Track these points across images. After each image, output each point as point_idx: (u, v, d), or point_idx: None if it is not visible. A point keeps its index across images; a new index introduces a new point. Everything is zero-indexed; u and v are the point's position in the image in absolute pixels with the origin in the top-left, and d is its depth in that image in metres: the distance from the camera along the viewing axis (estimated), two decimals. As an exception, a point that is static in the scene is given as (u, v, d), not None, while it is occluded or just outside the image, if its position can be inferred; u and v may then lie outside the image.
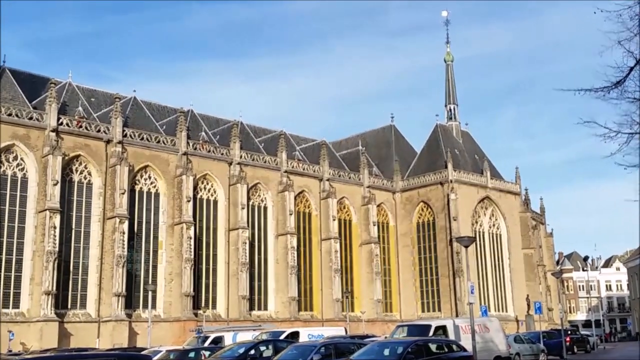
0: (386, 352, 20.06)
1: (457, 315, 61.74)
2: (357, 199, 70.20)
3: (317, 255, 65.37)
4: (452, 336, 25.44)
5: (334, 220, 65.87)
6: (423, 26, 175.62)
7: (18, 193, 47.32)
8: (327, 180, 67.28)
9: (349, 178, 70.37)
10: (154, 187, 54.97)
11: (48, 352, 34.01)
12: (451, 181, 70.05)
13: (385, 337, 30.49)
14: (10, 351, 40.08)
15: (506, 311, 72.48)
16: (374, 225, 69.59)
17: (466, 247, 24.38)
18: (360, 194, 70.60)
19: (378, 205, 71.20)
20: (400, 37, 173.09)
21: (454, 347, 22.09)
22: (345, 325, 50.97)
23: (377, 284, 67.98)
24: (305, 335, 33.65)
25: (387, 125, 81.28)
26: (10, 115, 47.26)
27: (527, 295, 70.84)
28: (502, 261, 74.53)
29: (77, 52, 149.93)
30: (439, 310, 68.73)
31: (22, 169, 47.79)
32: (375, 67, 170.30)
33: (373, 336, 35.94)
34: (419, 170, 74.19)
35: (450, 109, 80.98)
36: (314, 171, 67.06)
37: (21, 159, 47.79)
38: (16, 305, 45.76)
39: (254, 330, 39.91)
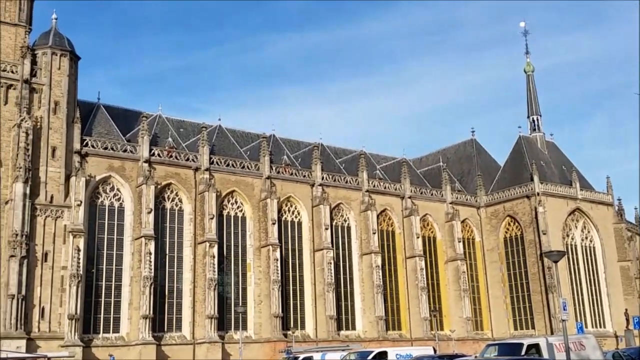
0: (476, 372, 19.82)
1: (552, 333, 59.52)
2: (440, 216, 69.41)
3: (402, 273, 65.00)
4: (545, 355, 24.73)
5: (417, 237, 65.38)
6: (500, 39, 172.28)
7: (115, 222, 50.13)
8: (409, 197, 66.99)
9: (431, 195, 69.75)
10: (241, 211, 56.68)
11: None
12: (538, 194, 68.02)
13: (476, 357, 29.97)
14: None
15: (604, 327, 69.14)
16: (459, 241, 68.47)
17: (555, 262, 23.78)
18: (443, 210, 69.77)
19: (462, 221, 70.08)
20: (476, 51, 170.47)
21: (548, 366, 21.49)
22: (434, 344, 50.37)
23: (465, 301, 66.67)
24: (393, 355, 33.65)
25: (468, 139, 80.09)
26: (106, 148, 50.32)
27: (626, 310, 67.15)
28: (597, 275, 71.31)
29: (165, 86, 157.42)
30: (532, 327, 66.43)
31: (119, 199, 50.62)
32: (453, 82, 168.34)
33: (463, 355, 35.37)
34: (504, 184, 72.49)
35: (534, 120, 78.86)
36: (396, 189, 66.97)
37: (117, 189, 50.66)
38: (116, 329, 48.23)
39: (342, 350, 40.19)
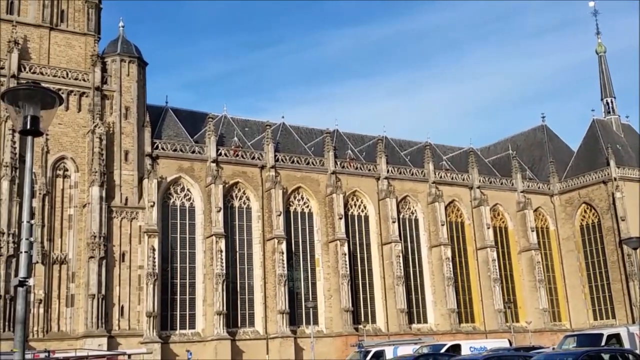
0: (553, 363, 19.18)
1: (633, 322, 56.90)
2: (511, 205, 67.58)
3: (473, 265, 63.76)
4: (627, 345, 23.66)
5: (488, 228, 63.92)
6: (567, 22, 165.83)
7: (187, 221, 51.52)
8: (478, 187, 65.57)
9: (501, 184, 68.00)
10: (307, 207, 57.06)
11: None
12: (615, 179, 65.12)
13: (553, 349, 29.01)
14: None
15: (693, 317, 65.44)
16: (533, 231, 66.46)
17: (635, 249, 22.69)
18: (514, 199, 67.89)
19: (535, 210, 67.97)
20: (542, 35, 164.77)
21: (630, 357, 20.56)
22: (509, 336, 49.13)
23: (541, 292, 64.70)
24: (467, 348, 33.00)
25: (538, 125, 77.52)
26: (175, 150, 51.76)
27: None
28: (683, 262, 67.56)
29: (229, 87, 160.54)
30: (613, 317, 63.73)
31: (189, 199, 51.97)
32: (519, 68, 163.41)
33: (540, 347, 34.31)
34: (578, 170, 69.80)
35: (608, 103, 75.54)
36: (463, 179, 65.70)
37: (187, 189, 52.03)
38: (192, 325, 49.60)
39: (415, 343, 39.78)
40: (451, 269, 60.22)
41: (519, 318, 63.67)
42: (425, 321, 59.89)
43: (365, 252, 58.79)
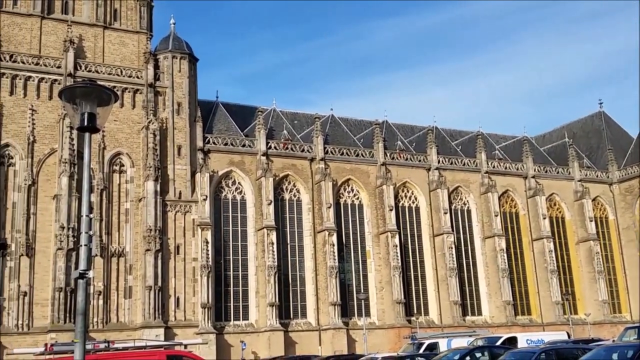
0: (614, 356, 18.54)
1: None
2: (568, 194, 65.72)
3: (529, 256, 62.39)
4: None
5: (544, 218, 62.37)
6: (622, 4, 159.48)
7: (239, 214, 52.18)
8: (533, 177, 64.03)
9: (557, 173, 66.19)
10: (357, 198, 56.93)
11: None
12: (679, 165, 62.43)
13: (614, 341, 28.11)
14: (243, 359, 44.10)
15: None
16: (591, 220, 64.48)
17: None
18: (571, 188, 65.99)
19: (593, 199, 65.92)
20: (595, 19, 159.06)
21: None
22: (568, 329, 47.94)
23: (600, 283, 62.78)
24: (524, 340, 32.33)
25: (596, 112, 75.00)
26: (226, 144, 52.43)
27: None
28: None
29: (278, 80, 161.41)
30: (678, 310, 61.30)
31: (240, 192, 52.61)
32: (573, 54, 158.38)
33: (599, 340, 33.31)
34: (637, 158, 67.21)
35: (670, 85, 72.40)
36: (517, 169, 64.27)
37: (239, 183, 52.67)
38: (245, 317, 50.30)
39: (469, 336, 39.24)
40: (506, 261, 59.10)
41: (577, 310, 62.01)
42: (480, 313, 59.03)
43: (416, 244, 58.30)
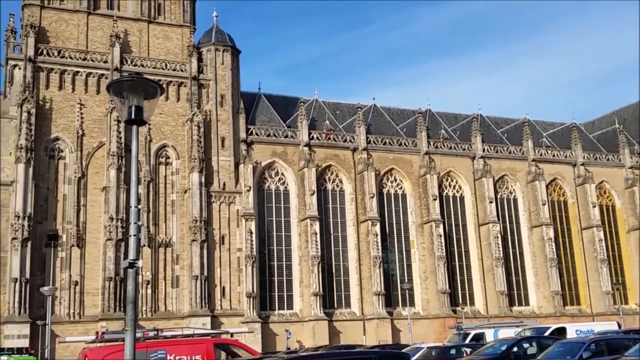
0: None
1: None
2: (619, 182, 63.86)
3: (578, 245, 60.98)
4: None
5: (594, 207, 60.78)
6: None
7: (282, 205, 52.52)
8: (582, 164, 62.42)
9: (607, 160, 64.34)
10: (400, 188, 56.58)
11: (320, 349, 37.10)
12: None
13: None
14: (288, 349, 44.45)
15: None
16: (643, 208, 62.50)
17: None
18: (622, 176, 64.08)
19: (645, 187, 63.83)
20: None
21: None
22: (618, 319, 46.71)
23: (652, 273, 60.91)
24: (573, 331, 31.61)
25: (648, 96, 72.49)
26: (269, 135, 52.76)
27: None
28: None
29: (320, 71, 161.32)
30: None
31: (283, 183, 52.92)
32: (623, 38, 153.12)
33: (652, 331, 32.30)
34: (694, 142, 64.73)
35: None
36: (566, 156, 62.75)
37: (282, 173, 52.98)
38: (290, 306, 50.72)
39: (516, 326, 38.64)
40: (554, 250, 57.93)
41: (627, 300, 60.37)
42: (527, 304, 58.08)
43: (461, 233, 57.65)
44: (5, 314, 40.97)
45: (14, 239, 41.66)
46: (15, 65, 45.41)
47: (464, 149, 59.18)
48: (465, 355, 27.53)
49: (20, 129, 43.33)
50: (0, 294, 41.54)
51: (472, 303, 56.07)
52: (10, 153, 43.70)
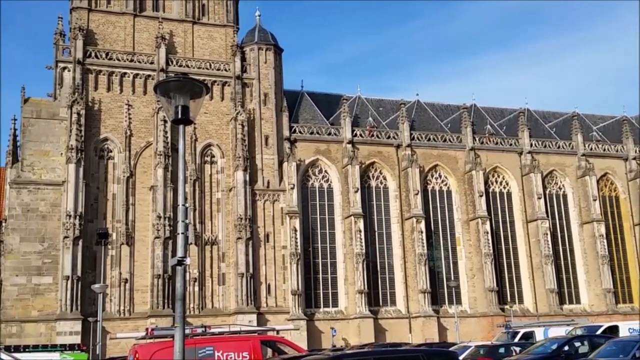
0: None
1: None
2: (674, 176, 61.55)
3: (631, 241, 59.15)
4: None
5: (647, 202, 58.81)
6: None
7: (326, 202, 52.54)
8: (634, 158, 60.47)
9: (661, 153, 62.11)
10: (445, 185, 55.90)
11: (366, 347, 36.98)
12: None
13: None
14: (333, 346, 44.47)
15: None
16: (700, 203, 60.12)
17: None
18: (677, 169, 61.74)
19: (702, 181, 61.36)
20: None
21: None
22: (675, 319, 45.09)
23: None
24: (626, 329, 30.60)
25: None
26: (312, 133, 52.84)
27: None
28: None
29: (362, 67, 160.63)
30: None
31: (327, 180, 52.93)
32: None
33: None
34: None
35: None
36: (617, 151, 60.88)
37: (325, 171, 52.99)
38: (335, 304, 50.72)
39: (567, 325, 37.69)
40: (605, 247, 56.33)
41: (685, 299, 58.22)
42: (578, 302, 56.66)
43: (508, 230, 56.61)
44: (58, 311, 42.21)
45: (65, 237, 42.83)
46: (64, 68, 46.62)
47: (510, 144, 58.06)
48: (514, 354, 26.99)
49: (70, 130, 44.48)
50: (53, 291, 42.82)
51: (520, 301, 55.01)
52: (61, 154, 44.94)
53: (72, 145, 44.02)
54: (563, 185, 58.97)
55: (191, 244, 45.71)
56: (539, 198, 55.82)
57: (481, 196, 54.14)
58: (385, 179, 54.30)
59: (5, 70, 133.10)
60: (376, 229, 53.08)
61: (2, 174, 49.33)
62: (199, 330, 21.86)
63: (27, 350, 32.99)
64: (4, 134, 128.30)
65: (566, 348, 23.11)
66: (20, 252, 43.01)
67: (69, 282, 42.19)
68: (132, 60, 48.31)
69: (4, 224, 45.14)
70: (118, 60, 47.99)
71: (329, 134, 53.39)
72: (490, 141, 57.72)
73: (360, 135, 54.07)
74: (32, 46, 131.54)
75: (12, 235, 43.29)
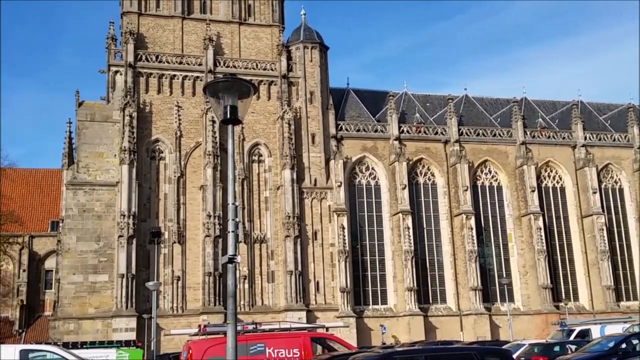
0: None
1: None
2: None
3: (692, 237, 56.78)
4: None
5: None
6: None
7: (373, 199, 52.34)
8: (695, 150, 58.05)
9: None
10: (495, 180, 54.92)
11: (416, 344, 36.68)
12: None
13: None
14: (383, 343, 44.29)
15: None
16: None
17: None
18: None
19: None
20: None
21: None
22: None
23: None
24: (689, 328, 29.47)
25: None
26: (358, 130, 52.71)
27: None
28: None
29: (408, 63, 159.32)
30: None
31: (374, 177, 52.73)
32: None
33: None
34: None
35: None
36: (676, 142, 58.56)
37: (372, 168, 52.80)
38: (384, 301, 50.52)
39: (624, 322, 36.53)
40: (665, 242, 54.31)
41: None
42: (636, 299, 54.83)
43: (562, 226, 55.22)
44: (114, 308, 43.41)
45: (120, 236, 44.01)
46: (116, 72, 47.84)
47: (563, 138, 56.61)
48: (570, 352, 26.34)
49: (123, 132, 45.64)
50: (108, 289, 44.07)
51: (575, 298, 53.61)
52: (115, 155, 46.18)
53: (125, 146, 45.15)
54: (619, 179, 57.16)
55: (240, 242, 46.21)
56: (594, 193, 54.27)
57: (533, 191, 52.97)
58: (433, 175, 53.73)
59: (59, 75, 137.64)
60: (425, 226, 52.58)
61: (59, 175, 51.05)
62: (250, 327, 22.15)
63: (85, 346, 34.07)
64: (59, 137, 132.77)
65: (623, 346, 22.44)
66: (77, 251, 44.42)
67: (124, 279, 43.33)
68: (181, 63, 49.20)
69: (61, 224, 46.75)
70: (167, 62, 48.94)
71: (376, 130, 53.17)
72: (542, 135, 56.42)
73: (407, 131, 53.64)
74: (85, 51, 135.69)
75: (69, 234, 44.75)
